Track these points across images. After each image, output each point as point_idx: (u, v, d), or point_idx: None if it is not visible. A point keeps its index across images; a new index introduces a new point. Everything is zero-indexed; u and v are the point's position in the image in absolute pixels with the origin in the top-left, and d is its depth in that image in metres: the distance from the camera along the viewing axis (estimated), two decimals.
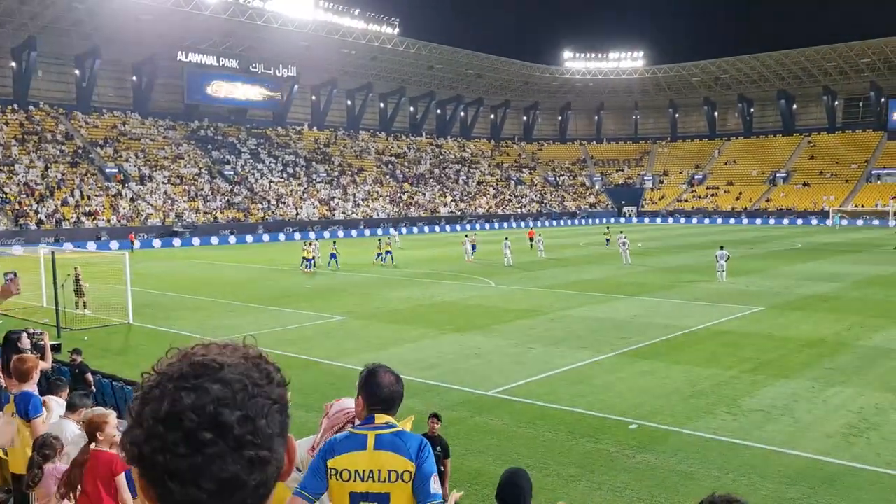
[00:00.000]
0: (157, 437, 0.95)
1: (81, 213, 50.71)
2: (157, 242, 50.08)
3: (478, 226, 69.20)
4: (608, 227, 51.00)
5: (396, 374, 3.06)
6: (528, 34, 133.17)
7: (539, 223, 73.91)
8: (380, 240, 37.30)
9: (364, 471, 2.85)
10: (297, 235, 56.54)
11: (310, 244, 33.50)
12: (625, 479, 8.57)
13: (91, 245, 44.34)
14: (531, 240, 41.16)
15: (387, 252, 34.45)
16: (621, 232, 38.51)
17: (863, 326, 17.60)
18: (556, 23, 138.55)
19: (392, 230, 53.94)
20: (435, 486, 2.90)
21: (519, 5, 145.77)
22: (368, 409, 2.97)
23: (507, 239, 35.14)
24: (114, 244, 46.55)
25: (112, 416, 4.56)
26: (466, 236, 38.95)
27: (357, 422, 3.04)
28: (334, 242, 37.44)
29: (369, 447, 2.87)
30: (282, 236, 57.30)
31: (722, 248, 27.05)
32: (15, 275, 5.54)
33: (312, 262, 31.83)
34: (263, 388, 1.01)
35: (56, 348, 12.14)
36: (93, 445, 4.37)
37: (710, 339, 16.48)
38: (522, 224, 73.56)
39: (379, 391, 2.97)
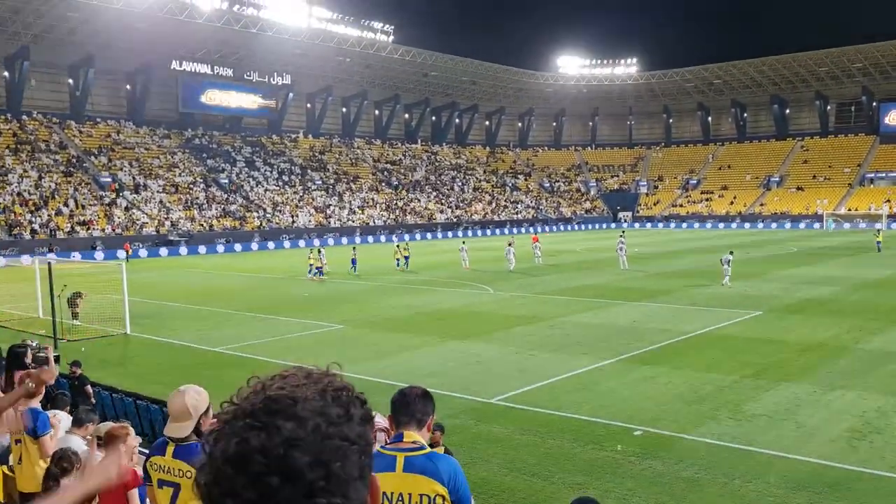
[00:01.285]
0: (226, 480, 0.90)
1: (76, 223, 50.49)
2: (152, 252, 49.90)
3: (480, 232, 69.17)
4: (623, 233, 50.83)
5: (425, 390, 3.04)
6: (523, 41, 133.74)
7: (535, 229, 73.93)
8: (398, 245, 37.92)
9: (392, 493, 2.80)
10: (301, 243, 56.23)
11: (316, 252, 33.42)
12: (631, 486, 8.54)
13: (87, 255, 44.15)
14: (534, 245, 41.18)
15: (405, 257, 35.32)
16: (620, 235, 38.56)
17: (861, 329, 17.63)
18: (550, 29, 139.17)
19: (394, 238, 53.90)
20: None
21: (513, 12, 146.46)
22: (393, 420, 2.96)
23: (510, 245, 35.26)
24: (109, 254, 46.34)
25: (131, 429, 4.52)
26: (464, 243, 38.92)
27: (385, 439, 3.01)
28: (354, 248, 37.54)
29: (398, 469, 2.81)
30: (279, 244, 57.16)
31: (731, 252, 27.45)
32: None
33: (318, 270, 31.79)
34: (340, 428, 0.94)
35: (55, 360, 12.01)
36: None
37: (710, 343, 16.48)
38: (521, 230, 73.45)
39: (398, 398, 2.98)
